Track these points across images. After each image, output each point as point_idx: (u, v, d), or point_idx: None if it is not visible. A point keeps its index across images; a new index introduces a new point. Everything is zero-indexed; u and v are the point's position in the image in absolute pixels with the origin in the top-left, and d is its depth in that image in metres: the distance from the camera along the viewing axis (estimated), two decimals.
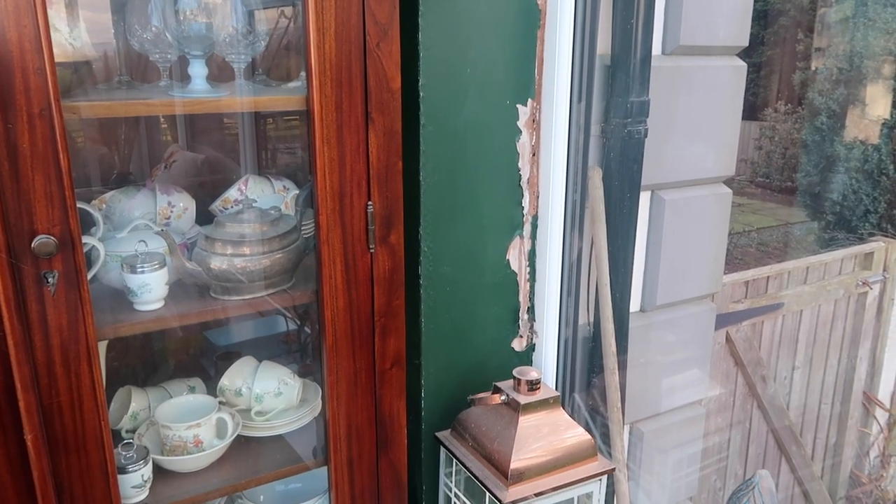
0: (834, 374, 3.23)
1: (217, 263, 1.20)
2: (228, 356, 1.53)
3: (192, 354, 1.55)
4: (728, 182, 2.18)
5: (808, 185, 6.40)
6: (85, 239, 1.08)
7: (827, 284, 3.03)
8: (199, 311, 1.23)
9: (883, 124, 5.48)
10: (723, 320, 2.73)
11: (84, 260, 1.01)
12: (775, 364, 2.98)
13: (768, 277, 2.85)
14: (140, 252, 1.15)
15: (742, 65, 2.08)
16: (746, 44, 2.10)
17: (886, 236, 3.37)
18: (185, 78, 1.16)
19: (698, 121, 2.03)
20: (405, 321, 1.35)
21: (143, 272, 1.14)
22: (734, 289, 2.77)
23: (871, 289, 3.16)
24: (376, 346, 1.29)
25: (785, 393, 3.06)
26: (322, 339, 1.24)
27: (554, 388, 1.75)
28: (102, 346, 1.24)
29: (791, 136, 7.29)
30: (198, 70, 1.12)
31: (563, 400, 1.81)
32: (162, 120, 1.67)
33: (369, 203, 1.21)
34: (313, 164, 1.14)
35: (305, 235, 1.31)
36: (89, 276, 1.11)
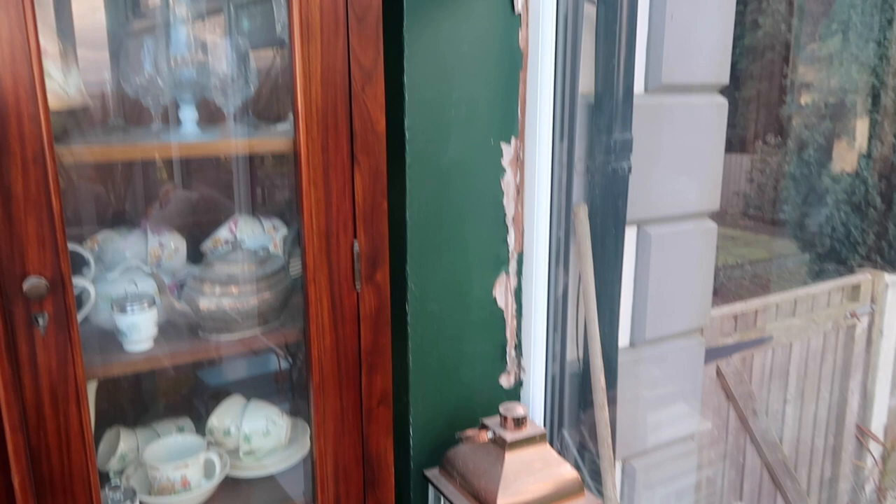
0: (826, 406, 3.23)
1: (206, 303, 1.21)
2: (219, 395, 1.54)
3: (183, 394, 1.55)
4: (720, 215, 2.20)
5: (797, 218, 6.46)
6: (76, 280, 1.10)
7: (815, 317, 3.05)
8: (189, 350, 1.24)
9: (867, 156, 5.58)
10: (712, 354, 2.74)
11: (74, 302, 1.03)
12: (767, 397, 2.98)
13: (757, 311, 2.87)
14: (129, 293, 1.17)
15: (723, 101, 2.13)
16: (727, 81, 2.15)
17: (875, 267, 3.40)
18: (177, 121, 1.19)
19: (682, 157, 2.06)
20: (392, 359, 1.36)
21: (132, 313, 1.16)
22: (723, 322, 2.79)
23: (860, 320, 3.18)
24: (363, 384, 1.30)
25: (777, 426, 3.06)
26: (309, 378, 1.25)
27: (542, 424, 1.76)
28: (92, 387, 1.25)
29: (781, 169, 7.38)
30: (188, 114, 1.16)
31: (551, 436, 1.81)
32: (157, 159, 1.70)
33: (355, 242, 1.23)
34: (300, 204, 1.17)
35: (293, 275, 1.33)
36: (80, 318, 1.12)
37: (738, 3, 2.05)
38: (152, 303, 1.18)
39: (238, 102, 1.25)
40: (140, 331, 1.16)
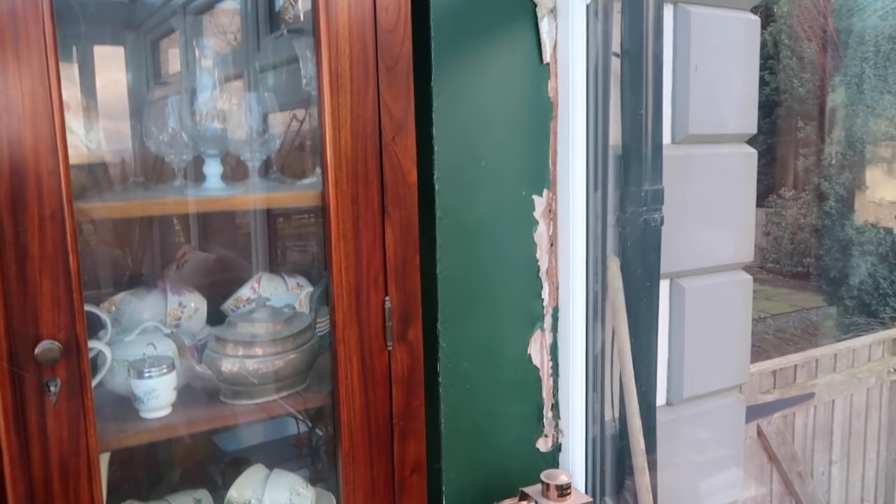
0: (874, 468, 3.05)
1: (228, 366, 1.14)
2: (237, 463, 1.45)
3: (199, 462, 1.46)
4: (745, 269, 2.14)
5: (820, 270, 6.35)
6: (91, 343, 1.04)
7: (857, 372, 2.92)
8: (209, 416, 1.16)
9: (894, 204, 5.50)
10: (753, 412, 2.61)
11: (89, 366, 0.96)
12: (811, 458, 2.83)
13: (796, 366, 2.75)
14: (148, 356, 1.10)
15: (752, 151, 2.09)
16: (755, 131, 2.12)
17: None
18: (200, 177, 1.15)
19: (713, 207, 2.01)
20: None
21: (150, 377, 1.09)
22: (761, 378, 2.67)
23: None
24: (395, 451, 1.21)
25: (824, 490, 2.89)
26: (338, 445, 1.16)
27: (584, 490, 1.64)
28: (105, 459, 1.17)
29: (798, 222, 7.34)
30: (213, 169, 1.12)
31: None
32: (175, 221, 1.66)
33: (386, 299, 1.16)
34: (329, 259, 1.11)
35: (320, 334, 1.26)
36: (94, 383, 1.05)
37: None
38: (171, 366, 1.11)
39: (263, 157, 1.21)
40: (158, 397, 1.09)
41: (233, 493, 1.33)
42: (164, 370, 1.10)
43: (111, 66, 1.38)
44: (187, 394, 1.18)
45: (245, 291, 1.37)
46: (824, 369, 2.86)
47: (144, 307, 1.28)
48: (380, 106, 1.12)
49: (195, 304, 1.32)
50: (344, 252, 1.12)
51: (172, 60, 1.48)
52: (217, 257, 1.61)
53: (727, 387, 2.15)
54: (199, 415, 1.16)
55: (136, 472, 1.37)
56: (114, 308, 1.28)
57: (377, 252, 1.14)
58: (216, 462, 1.47)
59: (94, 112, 1.09)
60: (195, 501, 1.34)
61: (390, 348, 1.18)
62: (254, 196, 1.18)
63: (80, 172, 1.02)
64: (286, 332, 1.19)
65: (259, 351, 1.16)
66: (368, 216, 1.13)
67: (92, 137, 1.03)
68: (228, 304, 1.37)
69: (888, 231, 5.47)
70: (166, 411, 1.12)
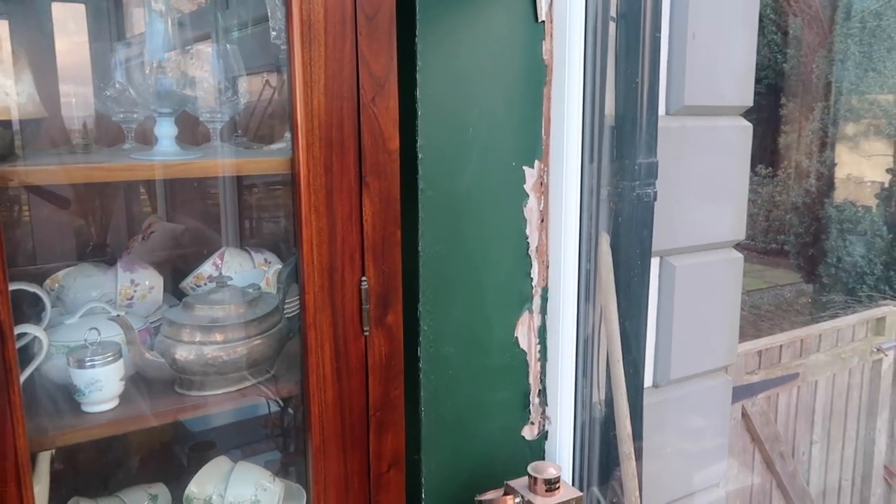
0: (853, 447, 3.04)
1: (183, 353, 1.02)
2: (202, 449, 1.33)
3: (158, 453, 1.34)
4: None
5: (796, 248, 6.35)
6: (22, 328, 0.91)
7: (841, 352, 2.89)
8: (161, 410, 1.04)
9: (874, 183, 5.49)
10: (738, 393, 2.56)
11: (15, 356, 0.83)
12: (793, 439, 2.80)
13: (781, 346, 2.70)
14: (90, 342, 0.97)
15: (748, 125, 2.00)
16: (751, 104, 2.03)
17: (886, 298, 3.25)
18: (154, 139, 1.01)
19: (706, 182, 1.92)
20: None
21: (92, 366, 0.96)
22: (747, 359, 2.61)
23: (886, 355, 3.01)
24: (371, 445, 1.10)
25: (804, 470, 2.86)
26: (308, 439, 1.05)
27: (571, 481, 1.56)
28: (46, 457, 1.05)
29: (774, 199, 7.33)
30: (166, 129, 0.98)
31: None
32: (141, 189, 1.52)
33: (363, 279, 1.04)
34: (299, 234, 0.99)
35: (288, 316, 1.14)
36: (26, 374, 0.92)
37: None
38: (118, 354, 0.98)
39: (225, 118, 1.07)
40: (102, 388, 0.96)
41: (192, 488, 1.22)
42: (110, 358, 0.97)
43: (67, 20, 1.24)
44: (137, 384, 1.05)
45: (206, 268, 1.24)
46: (809, 349, 2.82)
47: (92, 285, 1.15)
48: (358, 61, 0.98)
49: (150, 282, 1.19)
50: (316, 227, 0.99)
51: (138, 20, 1.34)
52: (186, 229, 1.49)
53: (715, 368, 2.09)
54: (150, 408, 1.03)
55: (85, 465, 1.24)
56: (57, 286, 1.15)
57: (353, 227, 1.02)
58: (178, 455, 1.35)
59: (24, 60, 0.94)
60: (150, 497, 1.23)
61: (367, 333, 1.06)
62: (214, 162, 1.05)
63: (6, 130, 0.87)
64: (250, 315, 1.07)
65: (219, 337, 1.03)
66: (344, 187, 1.00)
67: (21, 90, 0.88)
68: (188, 282, 1.24)
69: (867, 209, 5.46)
70: (112, 404, 0.99)
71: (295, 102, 0.95)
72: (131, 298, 1.16)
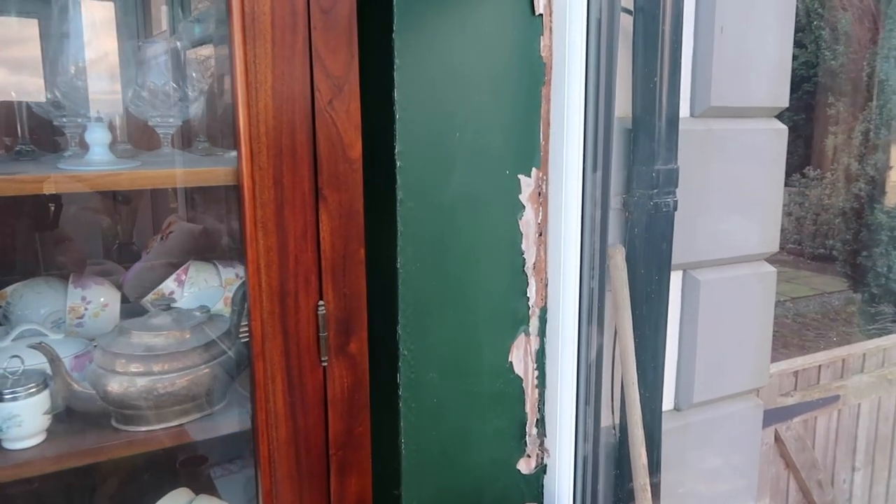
0: None
1: (116, 385, 0.92)
2: (193, 464, 1.25)
3: (115, 483, 1.25)
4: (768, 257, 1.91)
5: (845, 254, 6.05)
6: None
7: (888, 373, 2.67)
8: (93, 448, 0.94)
9: None
10: (771, 417, 2.38)
11: None
12: (832, 466, 2.59)
13: (820, 366, 2.50)
14: (10, 371, 0.88)
15: (783, 128, 1.84)
16: (786, 104, 1.87)
17: None
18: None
19: (735, 190, 1.78)
20: (381, 442, 1.06)
21: (13, 399, 0.87)
22: (781, 379, 2.43)
23: None
24: (332, 487, 0.99)
25: (845, 499, 2.66)
26: (258, 482, 0.94)
27: None
28: None
29: (822, 202, 7.04)
30: (97, 136, 0.88)
31: None
32: (171, 189, 1.46)
33: (321, 303, 0.93)
34: (245, 254, 0.88)
35: (245, 341, 1.03)
36: None
37: None
38: (43, 385, 0.89)
39: (177, 122, 0.97)
40: (21, 424, 0.87)
41: None
42: (32, 390, 0.88)
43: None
44: (72, 417, 0.96)
45: (169, 284, 1.15)
46: (851, 370, 2.61)
47: (42, 302, 1.07)
48: (312, 60, 0.87)
49: (104, 299, 1.10)
50: (264, 246, 0.88)
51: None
52: (204, 229, 1.42)
53: (743, 390, 1.94)
54: (80, 446, 0.94)
55: (35, 486, 1.16)
56: (4, 302, 1.07)
57: (308, 246, 0.91)
58: (136, 483, 1.26)
59: None
60: None
61: (325, 364, 0.95)
62: (147, 173, 0.94)
63: None
64: (194, 342, 0.96)
65: (156, 367, 0.93)
66: (297, 201, 0.89)
67: None
68: (148, 299, 1.15)
69: None
70: (36, 440, 0.90)
71: (237, 105, 0.84)
72: (82, 317, 1.07)
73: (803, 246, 7.51)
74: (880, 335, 2.87)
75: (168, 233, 1.42)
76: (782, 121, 1.86)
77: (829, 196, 6.74)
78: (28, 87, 1.04)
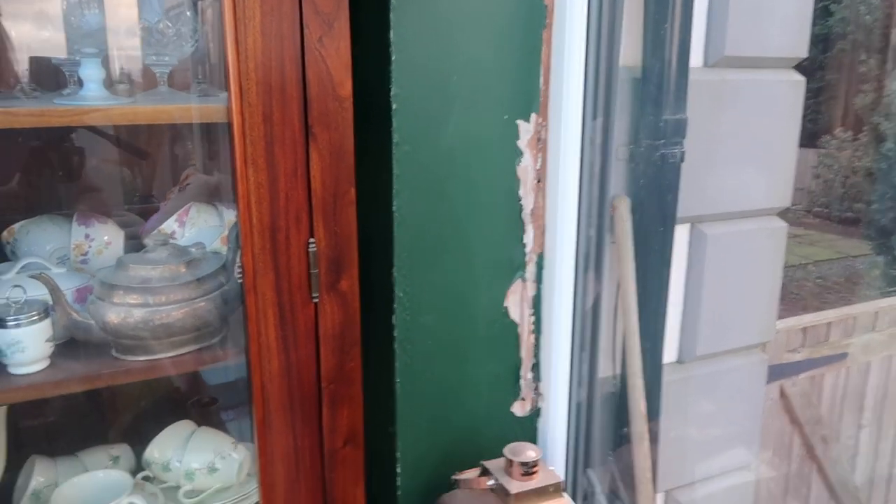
0: None
1: (115, 316, 0.95)
2: (204, 404, 1.30)
3: (127, 412, 1.31)
4: (783, 213, 1.89)
5: (873, 216, 5.92)
6: None
7: None
8: (94, 375, 0.98)
9: None
10: (776, 372, 2.38)
11: None
12: (838, 423, 2.60)
13: (830, 323, 2.49)
14: (13, 300, 0.92)
15: (800, 79, 1.80)
16: (805, 54, 1.82)
17: None
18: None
19: (747, 143, 1.75)
20: (376, 383, 1.09)
21: (16, 326, 0.90)
22: (789, 336, 2.42)
23: None
24: (324, 419, 1.03)
25: (850, 456, 2.67)
26: (251, 412, 0.98)
27: (564, 462, 1.45)
28: (1, 411, 1.02)
29: (852, 165, 6.87)
30: (91, 72, 0.90)
31: (574, 478, 1.51)
32: (189, 142, 1.48)
33: (311, 241, 0.95)
34: (235, 190, 0.90)
35: (241, 279, 1.06)
36: None
37: None
38: (44, 314, 0.93)
39: (173, 62, 0.98)
40: (24, 350, 0.91)
41: (153, 451, 1.18)
42: (34, 317, 0.92)
43: None
44: (75, 347, 1.00)
45: (170, 224, 1.17)
46: (863, 328, 2.59)
47: (47, 239, 1.10)
48: None
49: (107, 237, 1.13)
50: (254, 182, 0.90)
51: None
52: (220, 181, 1.45)
53: (748, 345, 1.95)
54: (81, 372, 0.98)
55: (48, 423, 1.22)
56: (12, 238, 1.10)
57: (299, 183, 0.92)
58: (147, 414, 1.31)
59: None
60: (112, 459, 1.19)
61: (316, 300, 0.97)
62: (140, 109, 0.96)
63: None
64: (189, 276, 0.99)
65: (151, 299, 0.96)
66: (287, 138, 0.90)
67: None
68: (152, 238, 1.17)
69: None
70: (39, 366, 0.94)
71: (226, 42, 0.85)
72: (86, 254, 1.11)
73: (831, 209, 7.37)
74: None
75: (186, 184, 1.45)
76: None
77: (858, 158, 6.58)
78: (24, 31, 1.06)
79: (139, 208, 1.41)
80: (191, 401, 1.41)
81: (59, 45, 0.99)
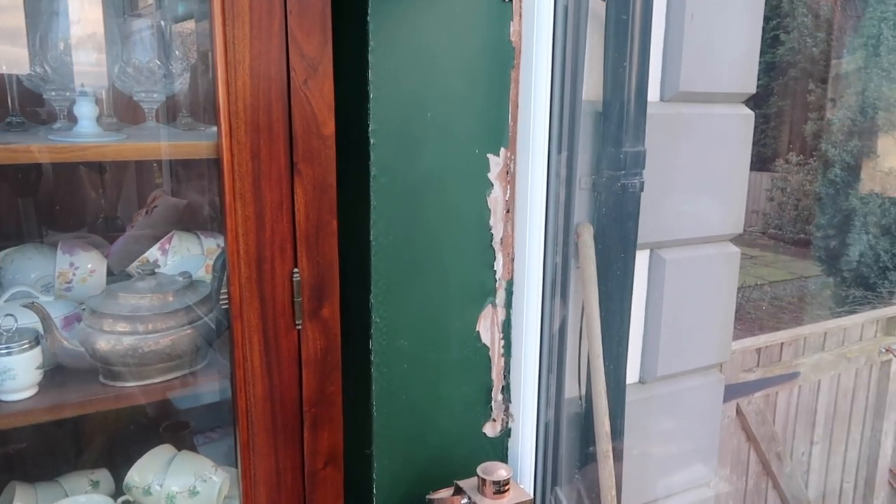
0: (857, 449, 2.94)
1: (105, 343, 0.99)
2: (175, 429, 1.32)
3: (104, 438, 1.32)
4: (739, 235, 1.99)
5: (821, 239, 6.17)
6: None
7: (847, 352, 2.78)
8: (83, 401, 1.01)
9: None
10: (732, 391, 2.49)
11: None
12: (791, 439, 2.71)
13: (782, 344, 2.61)
14: (5, 328, 0.94)
15: (749, 113, 1.91)
16: (753, 90, 1.93)
17: None
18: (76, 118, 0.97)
19: (702, 173, 1.84)
20: (353, 406, 1.13)
21: (7, 354, 0.93)
22: (745, 356, 2.53)
23: None
24: (306, 441, 1.07)
25: (803, 471, 2.78)
26: (235, 434, 1.02)
27: (533, 480, 1.51)
28: None
29: (803, 188, 7.14)
30: (85, 110, 0.94)
31: (543, 496, 1.56)
32: (154, 163, 1.50)
33: (295, 270, 1.00)
34: (224, 223, 0.94)
35: (225, 307, 1.10)
36: None
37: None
38: (34, 342, 0.96)
39: (161, 98, 1.02)
40: (15, 377, 0.94)
41: (134, 475, 1.20)
42: (25, 346, 0.95)
43: None
44: (63, 373, 1.02)
45: (153, 252, 1.21)
46: (813, 347, 2.72)
47: (31, 267, 1.13)
48: (288, 42, 0.93)
49: (91, 265, 1.16)
50: (242, 215, 0.95)
51: None
52: (188, 203, 1.46)
53: (706, 365, 2.03)
54: (70, 398, 1.01)
55: (26, 449, 1.23)
56: None
57: (284, 216, 0.98)
58: (125, 440, 1.33)
59: None
60: (91, 483, 1.21)
61: (300, 327, 1.02)
62: (133, 145, 1.01)
63: None
64: (177, 304, 1.03)
65: (140, 326, 1.00)
66: (273, 173, 0.96)
67: None
68: (133, 267, 1.21)
69: (893, 202, 5.26)
70: (28, 393, 0.97)
71: (217, 83, 0.90)
72: (70, 282, 1.13)
73: (784, 231, 7.62)
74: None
75: (153, 207, 1.46)
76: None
77: (810, 182, 6.84)
78: (11, 58, 1.09)
79: (107, 230, 1.41)
80: (163, 426, 1.42)
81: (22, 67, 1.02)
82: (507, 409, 1.48)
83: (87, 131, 0.94)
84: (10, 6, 1.07)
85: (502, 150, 1.36)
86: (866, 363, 2.84)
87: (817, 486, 2.86)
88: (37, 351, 0.97)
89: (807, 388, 2.71)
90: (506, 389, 1.47)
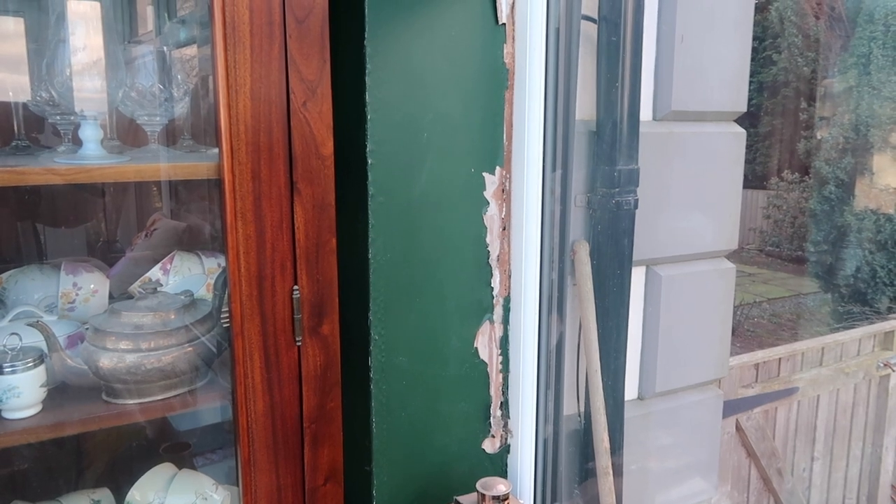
0: (858, 465, 2.94)
1: (108, 361, 1.00)
2: (176, 450, 1.32)
3: (106, 457, 1.33)
4: (737, 252, 2.01)
5: (818, 256, 6.20)
6: None
7: (845, 367, 2.79)
8: (87, 418, 1.02)
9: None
10: (732, 407, 2.49)
11: None
12: (792, 455, 2.71)
13: (780, 359, 2.61)
14: (10, 347, 0.96)
15: (741, 131, 1.95)
16: (744, 109, 1.97)
17: None
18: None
19: (695, 191, 1.87)
20: (353, 422, 1.14)
21: (12, 372, 0.94)
22: (743, 372, 2.54)
23: (894, 371, 2.91)
24: (306, 458, 1.08)
25: (804, 488, 2.77)
26: (236, 451, 1.03)
27: (532, 496, 1.51)
28: None
29: (799, 205, 7.19)
30: (90, 133, 0.96)
31: None
32: (153, 187, 1.52)
33: (295, 288, 1.02)
34: (225, 242, 0.96)
35: (226, 325, 1.11)
36: None
37: (752, 39, 1.87)
38: (39, 360, 0.97)
39: (163, 121, 1.05)
40: (20, 395, 0.95)
41: (135, 494, 1.21)
42: (30, 364, 0.96)
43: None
44: (66, 391, 1.04)
45: (155, 272, 1.23)
46: (810, 363, 2.73)
47: (35, 288, 1.14)
48: (287, 65, 0.96)
49: (94, 286, 1.18)
50: (243, 234, 0.97)
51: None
52: (188, 226, 1.48)
53: (704, 381, 2.03)
54: (73, 416, 1.02)
55: (28, 468, 1.24)
56: (0, 287, 1.14)
57: (284, 234, 1.00)
58: (125, 458, 1.33)
59: None
60: (93, 503, 1.21)
61: (300, 344, 1.03)
62: (137, 167, 1.03)
63: None
64: (178, 322, 1.05)
65: (143, 344, 1.01)
66: (273, 193, 0.98)
67: None
68: (135, 287, 1.22)
69: (888, 218, 5.30)
70: (33, 411, 0.98)
71: (218, 106, 0.93)
72: (73, 302, 1.15)
73: (781, 248, 7.65)
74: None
75: (153, 230, 1.48)
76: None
77: (805, 199, 6.90)
78: (15, 85, 1.12)
79: (107, 253, 1.42)
80: (163, 447, 1.43)
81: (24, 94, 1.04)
82: (505, 425, 1.49)
83: (92, 154, 0.96)
84: (12, 35, 1.11)
85: (498, 168, 1.38)
86: (865, 378, 2.85)
87: (819, 502, 2.85)
88: (41, 369, 0.98)
89: (806, 404, 2.71)
90: (504, 405, 1.48)
